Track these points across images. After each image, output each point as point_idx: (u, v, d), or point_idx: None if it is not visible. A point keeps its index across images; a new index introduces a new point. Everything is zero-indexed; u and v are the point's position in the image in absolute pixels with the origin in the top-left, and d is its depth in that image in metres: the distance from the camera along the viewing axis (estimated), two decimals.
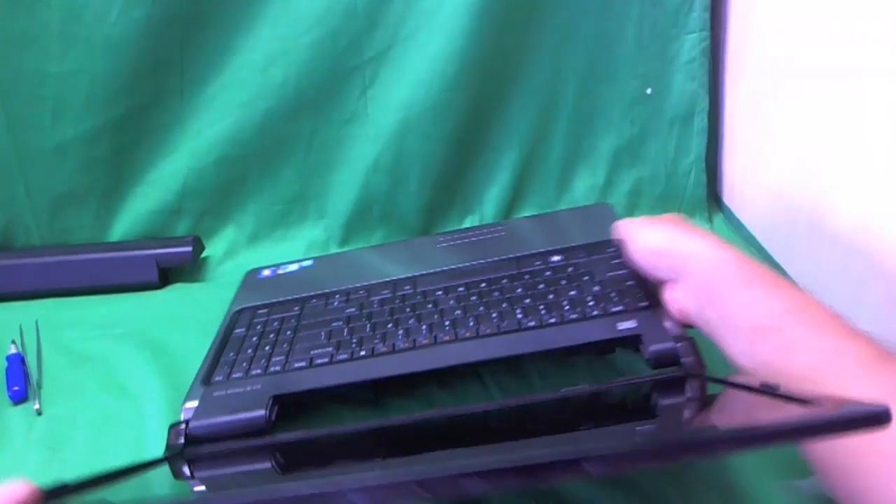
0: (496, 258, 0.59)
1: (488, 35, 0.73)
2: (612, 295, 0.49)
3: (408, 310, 0.53)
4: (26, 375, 0.59)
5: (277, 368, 0.50)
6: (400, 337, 0.50)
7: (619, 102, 0.78)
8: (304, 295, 0.59)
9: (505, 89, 0.77)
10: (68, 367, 0.61)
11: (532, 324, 0.48)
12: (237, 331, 0.56)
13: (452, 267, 0.59)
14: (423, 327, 0.51)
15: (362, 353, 0.49)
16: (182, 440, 0.45)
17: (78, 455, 0.51)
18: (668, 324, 0.44)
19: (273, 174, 0.78)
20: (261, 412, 0.45)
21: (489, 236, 0.64)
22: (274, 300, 0.59)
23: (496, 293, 0.53)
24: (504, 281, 0.54)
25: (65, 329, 0.66)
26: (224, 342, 0.55)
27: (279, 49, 0.73)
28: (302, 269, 0.65)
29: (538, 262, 0.56)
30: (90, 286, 0.73)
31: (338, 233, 0.80)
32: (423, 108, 0.75)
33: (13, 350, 0.62)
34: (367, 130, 0.77)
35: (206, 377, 0.50)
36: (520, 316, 0.49)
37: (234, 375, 0.50)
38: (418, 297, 0.55)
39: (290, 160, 0.78)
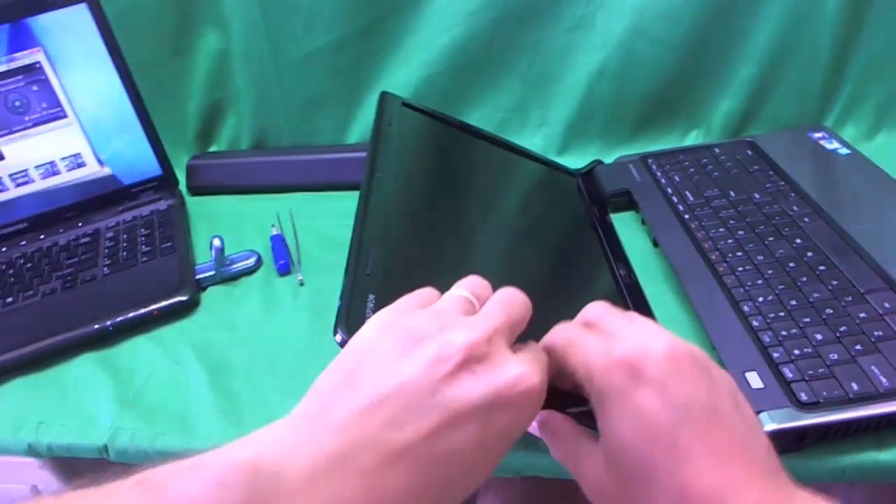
0: (864, 264, 0.52)
1: None
2: None
3: (758, 229, 0.57)
4: (288, 253, 0.68)
5: None
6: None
7: (876, 6, 0.70)
8: None
9: None
10: (321, 248, 0.70)
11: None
12: None
13: (843, 228, 0.56)
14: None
15: None
16: None
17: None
18: None
19: (497, 83, 0.80)
20: None
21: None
22: None
23: (814, 295, 0.49)
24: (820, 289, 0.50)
25: (315, 218, 0.74)
26: None
27: None
28: None
29: (887, 306, 0.47)
30: (334, 182, 0.79)
31: (556, 141, 0.81)
32: (656, 12, 0.73)
33: (274, 231, 0.71)
34: (594, 38, 0.76)
35: None
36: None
37: None
38: (785, 229, 0.57)
39: (514, 69, 0.79)
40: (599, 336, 0.33)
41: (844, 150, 0.69)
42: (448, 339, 0.29)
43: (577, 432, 0.34)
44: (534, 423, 0.36)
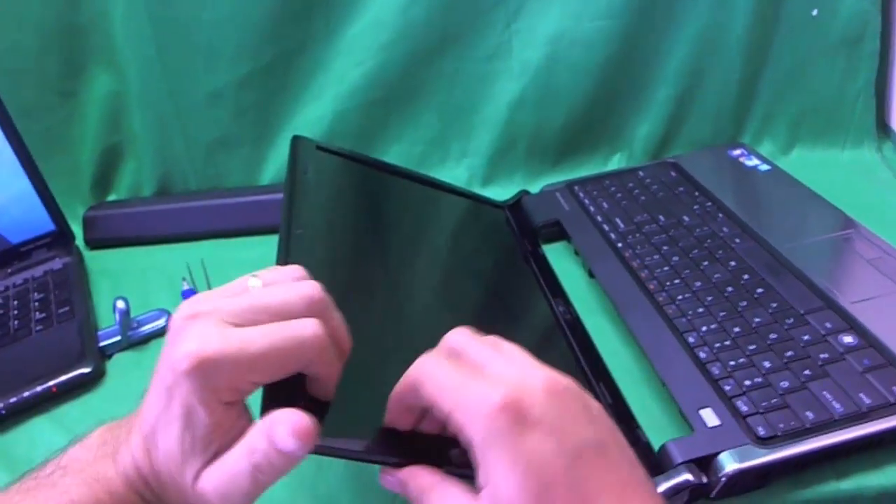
0: (799, 283, 0.52)
1: None
2: None
3: (692, 254, 0.57)
4: None
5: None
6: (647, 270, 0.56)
7: (784, 26, 0.73)
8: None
9: (659, 17, 0.73)
10: None
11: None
12: None
13: (774, 247, 0.56)
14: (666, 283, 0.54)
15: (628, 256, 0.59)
16: None
17: None
18: None
19: (415, 115, 0.78)
20: None
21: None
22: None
23: (755, 320, 0.49)
24: (775, 323, 0.48)
25: (230, 267, 0.67)
26: None
27: None
28: None
29: (828, 326, 0.47)
30: (248, 227, 0.75)
31: (480, 172, 0.79)
32: (572, 39, 0.73)
33: (186, 286, 0.66)
34: (512, 65, 0.75)
35: None
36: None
37: None
38: (718, 252, 0.56)
39: (432, 100, 0.78)
40: (474, 375, 0.29)
41: (765, 167, 0.70)
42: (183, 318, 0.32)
43: (450, 487, 0.31)
44: (394, 479, 0.33)
